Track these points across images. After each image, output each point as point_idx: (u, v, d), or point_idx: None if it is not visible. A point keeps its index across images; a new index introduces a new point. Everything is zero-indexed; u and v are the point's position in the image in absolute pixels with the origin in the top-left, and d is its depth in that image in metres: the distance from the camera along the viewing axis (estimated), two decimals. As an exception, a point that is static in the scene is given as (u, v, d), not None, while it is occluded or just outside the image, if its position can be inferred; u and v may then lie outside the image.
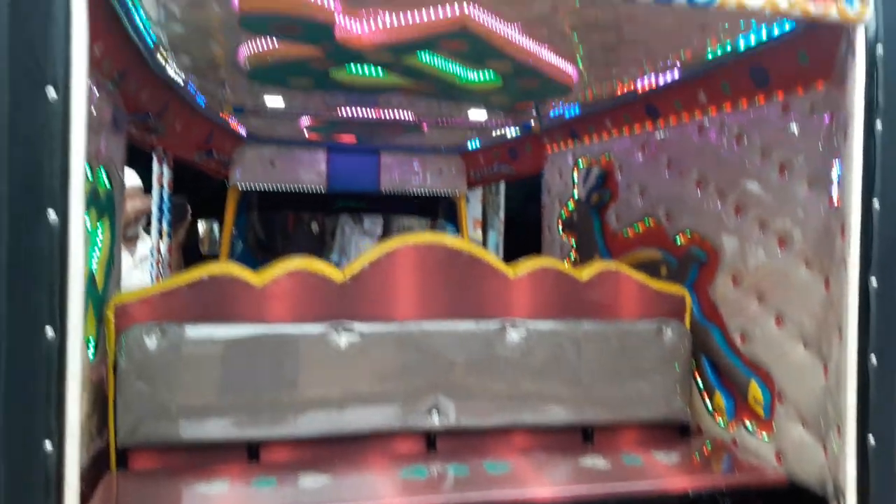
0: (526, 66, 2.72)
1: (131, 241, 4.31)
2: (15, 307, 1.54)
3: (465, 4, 2.22)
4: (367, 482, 2.29)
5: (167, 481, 2.27)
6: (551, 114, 4.04)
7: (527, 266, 2.76)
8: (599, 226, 3.76)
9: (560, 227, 4.18)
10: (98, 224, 2.33)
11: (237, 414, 2.37)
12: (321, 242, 7.01)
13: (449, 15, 2.24)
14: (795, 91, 2.44)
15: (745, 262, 2.69)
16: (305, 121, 4.17)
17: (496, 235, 10.86)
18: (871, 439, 2.05)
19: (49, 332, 1.56)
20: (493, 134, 4.80)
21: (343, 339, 2.47)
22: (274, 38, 2.58)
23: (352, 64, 2.82)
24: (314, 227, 7.09)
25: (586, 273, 2.82)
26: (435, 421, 2.55)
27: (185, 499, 2.17)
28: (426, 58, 2.70)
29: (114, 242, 2.58)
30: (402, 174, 5.31)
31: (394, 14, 2.30)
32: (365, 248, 6.98)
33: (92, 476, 2.11)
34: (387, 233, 6.94)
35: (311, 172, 5.13)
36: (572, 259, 4.04)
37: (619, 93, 3.35)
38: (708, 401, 2.88)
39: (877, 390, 2.04)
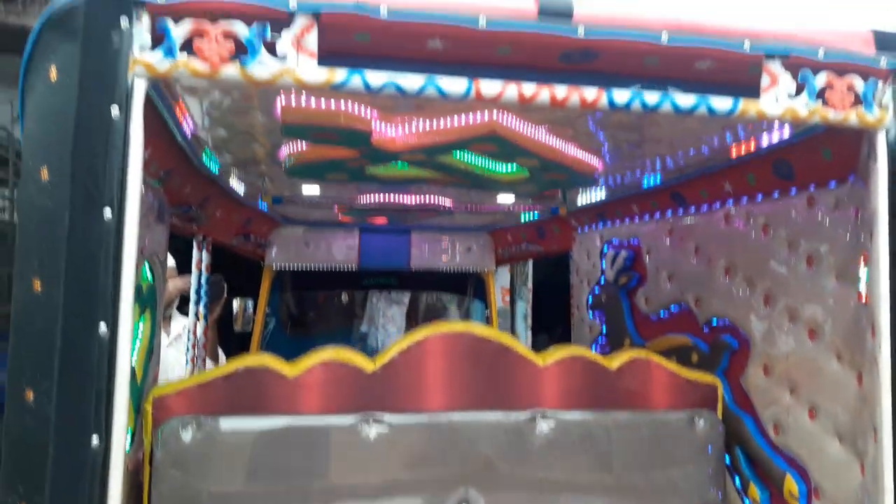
0: (553, 161, 2.80)
1: (166, 320, 4.40)
2: (64, 417, 1.60)
3: (494, 111, 2.31)
4: None
5: None
6: (578, 199, 4.12)
7: (556, 354, 2.76)
8: (629, 307, 3.76)
9: (588, 308, 4.20)
10: (140, 318, 2.40)
11: None
12: (351, 313, 7.08)
13: (479, 120, 2.34)
14: (820, 185, 2.47)
15: (776, 352, 2.68)
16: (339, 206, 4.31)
17: (524, 305, 10.83)
18: (912, 544, 2.00)
19: (94, 440, 1.61)
20: (522, 216, 4.89)
21: (373, 431, 2.46)
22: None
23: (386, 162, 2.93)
24: (344, 298, 7.19)
25: (616, 361, 2.80)
26: None
27: None
28: (457, 155, 2.80)
29: (153, 333, 2.65)
30: (431, 252, 5.41)
31: (426, 120, 2.41)
32: (393, 315, 7.06)
33: None
34: (414, 302, 7.00)
35: (343, 251, 5.25)
36: (600, 338, 4.04)
37: (644, 182, 3.42)
38: (743, 492, 2.83)
39: (915, 495, 2.00)
